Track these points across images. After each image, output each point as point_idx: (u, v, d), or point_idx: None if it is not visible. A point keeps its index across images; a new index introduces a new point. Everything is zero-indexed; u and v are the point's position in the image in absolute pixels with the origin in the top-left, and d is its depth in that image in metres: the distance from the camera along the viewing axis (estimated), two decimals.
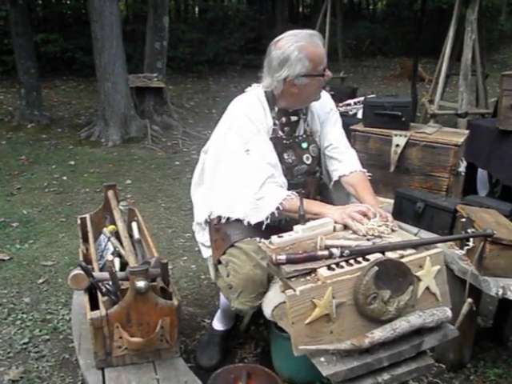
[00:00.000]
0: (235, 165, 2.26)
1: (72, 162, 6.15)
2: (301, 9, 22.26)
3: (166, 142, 7.12)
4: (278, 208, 2.13)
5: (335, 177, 2.49)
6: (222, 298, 2.56)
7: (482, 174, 4.34)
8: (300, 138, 2.43)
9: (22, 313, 3.12)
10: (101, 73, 6.93)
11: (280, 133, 2.37)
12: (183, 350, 2.74)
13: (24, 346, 2.81)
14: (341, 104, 4.81)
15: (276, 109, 2.36)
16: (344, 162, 2.48)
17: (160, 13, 8.12)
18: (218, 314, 2.76)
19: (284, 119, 2.37)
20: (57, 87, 11.26)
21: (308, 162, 2.43)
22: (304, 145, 2.44)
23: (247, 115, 2.27)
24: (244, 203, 2.22)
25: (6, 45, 10.15)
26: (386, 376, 1.74)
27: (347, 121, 4.15)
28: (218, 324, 2.75)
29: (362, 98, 4.44)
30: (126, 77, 7.13)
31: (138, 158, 6.42)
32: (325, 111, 2.51)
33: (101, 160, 6.28)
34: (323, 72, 2.26)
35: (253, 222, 2.21)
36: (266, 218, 2.16)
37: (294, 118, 2.41)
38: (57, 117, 8.44)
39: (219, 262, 2.34)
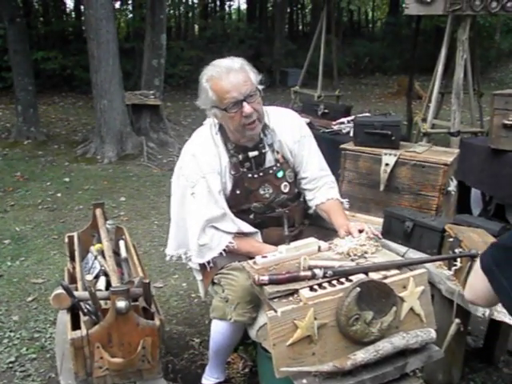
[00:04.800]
0: (183, 206, 2.31)
1: (67, 179, 6.16)
2: (300, 26, 22.45)
3: (162, 159, 7.14)
4: (220, 253, 2.25)
5: (313, 206, 2.47)
6: (211, 347, 2.42)
7: (475, 192, 4.34)
8: (275, 168, 2.34)
9: (10, 331, 3.10)
10: (97, 90, 6.96)
11: (241, 169, 2.29)
12: (170, 370, 2.72)
13: (10, 365, 2.79)
14: (334, 122, 4.82)
15: (233, 145, 2.29)
16: (321, 190, 2.45)
17: (157, 30, 8.18)
18: (208, 367, 2.53)
19: (241, 156, 2.29)
20: (55, 104, 11.31)
21: (286, 191, 2.37)
22: (280, 174, 2.36)
23: (195, 157, 2.24)
24: (188, 246, 2.32)
25: (5, 61, 10.22)
26: None
27: (340, 139, 4.18)
28: (208, 378, 2.50)
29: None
30: (122, 94, 7.17)
31: (133, 175, 6.42)
32: (294, 140, 2.39)
33: (96, 177, 6.28)
34: (229, 107, 2.13)
35: (195, 262, 2.33)
36: (208, 262, 2.27)
37: (253, 154, 2.30)
38: (54, 133, 8.47)
39: (212, 283, 2.34)
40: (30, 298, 3.47)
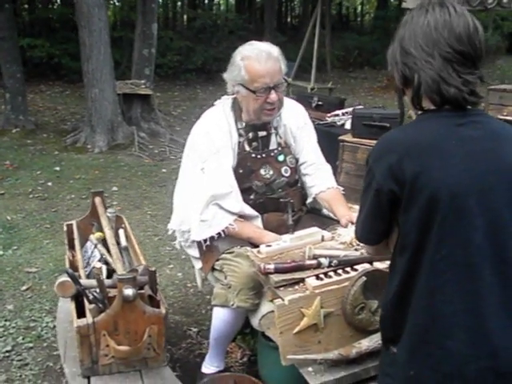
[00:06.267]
0: (190, 181, 2.36)
1: (57, 168, 6.09)
2: (289, 19, 22.41)
3: (153, 149, 7.09)
4: (218, 233, 2.26)
5: (313, 194, 2.52)
6: (212, 335, 2.41)
7: None
8: (276, 151, 2.44)
9: (5, 320, 3.07)
10: (88, 79, 6.90)
11: (247, 147, 2.38)
12: (169, 359, 2.72)
13: (7, 354, 2.77)
14: (329, 114, 4.83)
15: (243, 124, 2.37)
16: (321, 178, 2.51)
17: (148, 20, 8.09)
18: (208, 355, 2.51)
19: (251, 135, 2.38)
20: (42, 92, 11.17)
21: (287, 175, 2.44)
22: (281, 158, 2.44)
23: (209, 133, 2.32)
24: (190, 220, 2.32)
25: None
26: None
27: (335, 131, 4.20)
28: (208, 367, 2.48)
29: (350, 109, 4.47)
30: (113, 83, 7.10)
31: (124, 164, 6.38)
32: (297, 126, 2.50)
33: (87, 166, 6.23)
34: (258, 91, 2.21)
35: (192, 239, 2.33)
36: (205, 241, 2.27)
37: (262, 134, 2.40)
38: (42, 122, 8.36)
39: (213, 270, 2.34)
40: (24, 287, 3.44)
